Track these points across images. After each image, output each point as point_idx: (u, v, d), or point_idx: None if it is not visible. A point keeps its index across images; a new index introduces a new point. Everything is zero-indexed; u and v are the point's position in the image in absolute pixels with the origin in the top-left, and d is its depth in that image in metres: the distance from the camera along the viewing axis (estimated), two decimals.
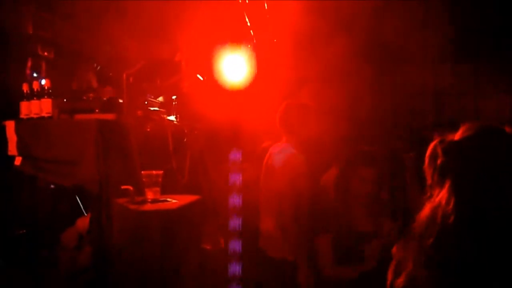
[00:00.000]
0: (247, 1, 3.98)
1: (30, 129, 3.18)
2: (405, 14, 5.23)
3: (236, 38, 3.66)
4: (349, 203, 3.05)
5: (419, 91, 5.86)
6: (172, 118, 3.86)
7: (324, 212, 3.11)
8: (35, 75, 3.84)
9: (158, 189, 2.89)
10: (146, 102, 3.62)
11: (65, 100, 3.28)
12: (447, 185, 1.33)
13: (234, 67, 3.54)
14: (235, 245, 3.04)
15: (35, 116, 3.20)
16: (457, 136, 1.38)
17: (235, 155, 3.37)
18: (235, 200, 3.21)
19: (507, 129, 1.37)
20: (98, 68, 4.06)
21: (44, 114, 3.17)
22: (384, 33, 5.21)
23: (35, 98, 3.20)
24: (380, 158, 3.13)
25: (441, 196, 1.33)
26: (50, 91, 3.19)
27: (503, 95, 5.52)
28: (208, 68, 3.79)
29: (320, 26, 4.64)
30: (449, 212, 1.29)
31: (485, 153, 1.33)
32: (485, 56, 5.42)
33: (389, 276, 1.45)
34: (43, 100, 3.18)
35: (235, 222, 3.02)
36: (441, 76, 5.84)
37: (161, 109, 3.77)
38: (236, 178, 3.25)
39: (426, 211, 1.36)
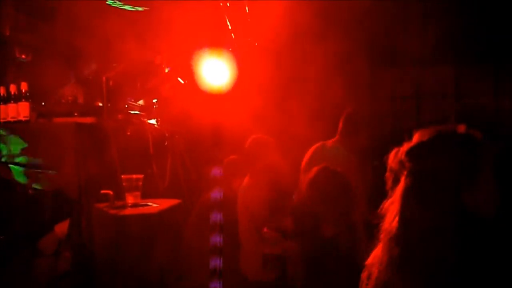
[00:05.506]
0: (228, 5, 3.98)
1: (7, 133, 3.12)
2: (389, 17, 5.28)
3: (217, 42, 3.65)
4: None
5: (401, 94, 5.92)
6: (152, 121, 3.83)
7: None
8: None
9: (138, 193, 2.88)
10: (126, 106, 3.60)
11: (43, 103, 3.24)
12: (398, 191, 1.36)
13: (215, 70, 3.53)
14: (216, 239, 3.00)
15: (12, 120, 3.14)
16: (411, 143, 1.39)
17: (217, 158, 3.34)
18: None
19: (461, 129, 1.37)
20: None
21: (21, 118, 3.13)
22: (372, 36, 5.26)
23: (12, 101, 3.15)
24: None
25: (394, 201, 1.37)
26: (28, 94, 3.14)
27: (486, 98, 5.60)
28: (188, 71, 3.77)
29: (300, 31, 4.67)
30: (398, 217, 1.33)
31: (433, 157, 1.35)
32: (468, 59, 5.48)
33: (360, 284, 1.47)
34: (20, 103, 3.13)
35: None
36: (422, 78, 5.89)
37: (141, 113, 3.75)
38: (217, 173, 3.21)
39: (385, 217, 1.39)
